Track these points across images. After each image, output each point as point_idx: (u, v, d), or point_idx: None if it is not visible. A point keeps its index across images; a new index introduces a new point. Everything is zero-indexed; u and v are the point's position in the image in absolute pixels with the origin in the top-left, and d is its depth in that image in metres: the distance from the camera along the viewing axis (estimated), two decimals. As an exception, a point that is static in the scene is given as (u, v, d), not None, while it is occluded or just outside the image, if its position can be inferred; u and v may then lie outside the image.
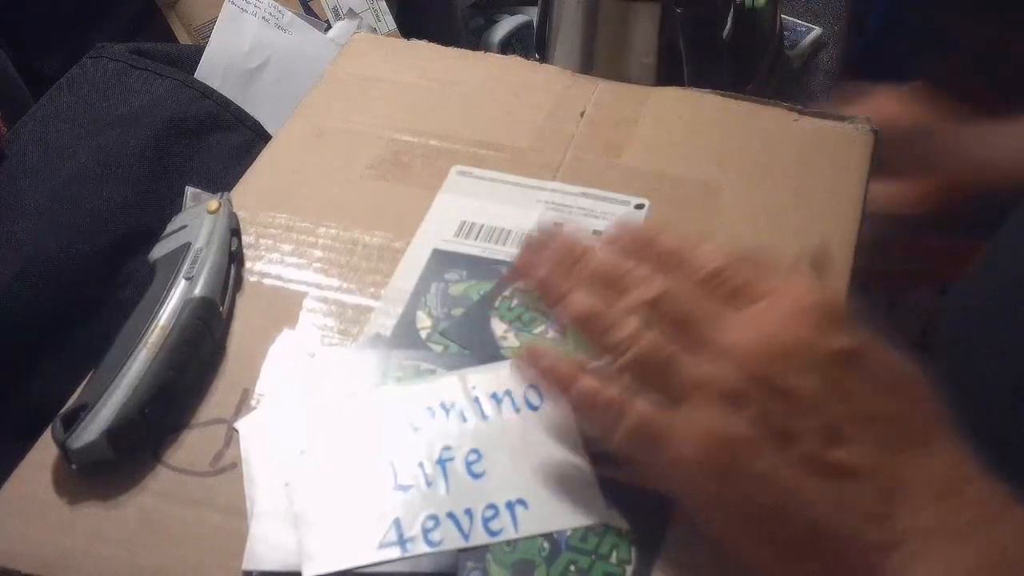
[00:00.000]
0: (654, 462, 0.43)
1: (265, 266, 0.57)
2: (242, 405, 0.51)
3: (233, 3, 0.81)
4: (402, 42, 0.74)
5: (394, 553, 0.44)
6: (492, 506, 0.46)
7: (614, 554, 0.45)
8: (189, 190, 0.60)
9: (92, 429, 0.47)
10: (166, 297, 0.52)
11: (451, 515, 0.46)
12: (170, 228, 0.57)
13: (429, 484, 0.47)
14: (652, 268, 0.45)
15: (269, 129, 0.76)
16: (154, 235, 0.57)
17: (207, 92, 0.75)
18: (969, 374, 0.56)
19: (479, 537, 0.45)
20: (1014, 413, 0.53)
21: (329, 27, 0.88)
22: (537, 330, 0.53)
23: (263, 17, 0.81)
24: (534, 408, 0.50)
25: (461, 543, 0.45)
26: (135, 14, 0.87)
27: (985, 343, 0.57)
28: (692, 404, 0.41)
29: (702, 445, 0.41)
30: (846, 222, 0.59)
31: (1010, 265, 0.57)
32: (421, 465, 0.47)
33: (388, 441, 0.49)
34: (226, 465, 0.48)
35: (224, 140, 0.74)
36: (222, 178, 0.68)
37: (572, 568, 0.44)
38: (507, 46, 0.98)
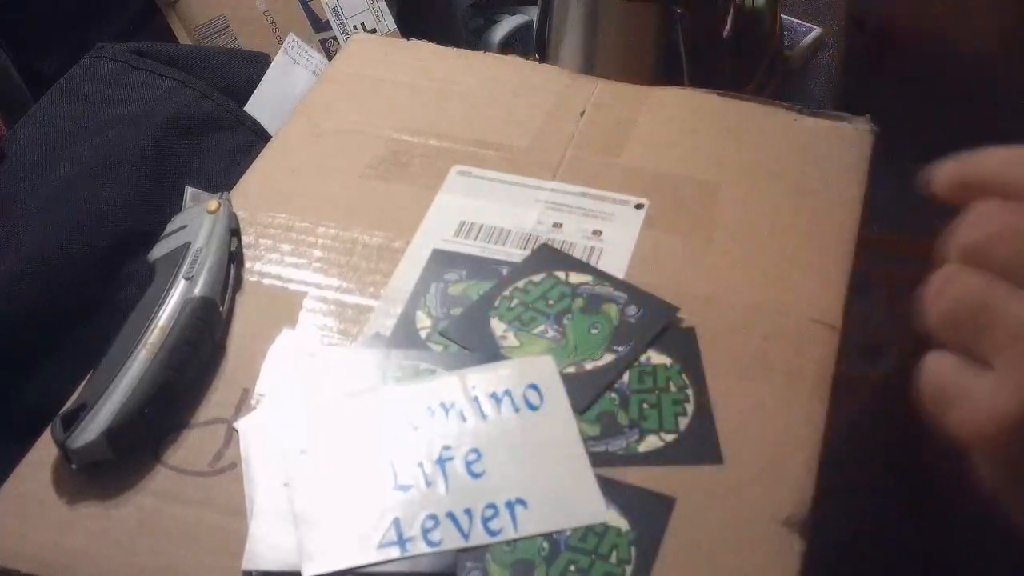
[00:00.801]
0: (948, 426, 0.35)
1: (265, 266, 0.57)
2: (242, 405, 0.51)
3: (287, 54, 0.82)
4: (402, 42, 0.74)
5: (394, 553, 0.44)
6: (492, 506, 0.46)
7: (614, 554, 0.45)
8: (189, 190, 0.60)
9: (92, 429, 0.47)
10: (166, 297, 0.52)
11: (451, 515, 0.46)
12: (170, 228, 0.57)
13: (429, 484, 0.47)
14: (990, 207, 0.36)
15: (269, 129, 0.76)
16: (154, 235, 0.57)
17: (207, 92, 0.75)
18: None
19: (479, 537, 0.45)
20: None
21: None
22: (537, 330, 0.53)
23: (313, 71, 0.82)
24: (534, 408, 0.50)
25: (461, 543, 0.45)
26: (135, 14, 0.87)
27: None
28: (1004, 360, 0.33)
29: (1005, 420, 0.33)
30: (846, 222, 0.59)
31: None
32: (421, 465, 0.47)
33: (388, 441, 0.49)
34: (226, 465, 0.48)
35: (224, 140, 0.74)
36: (222, 178, 0.68)
37: (572, 568, 0.44)
38: (507, 46, 0.98)
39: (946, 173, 0.37)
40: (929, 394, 0.36)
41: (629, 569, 0.44)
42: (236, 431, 0.49)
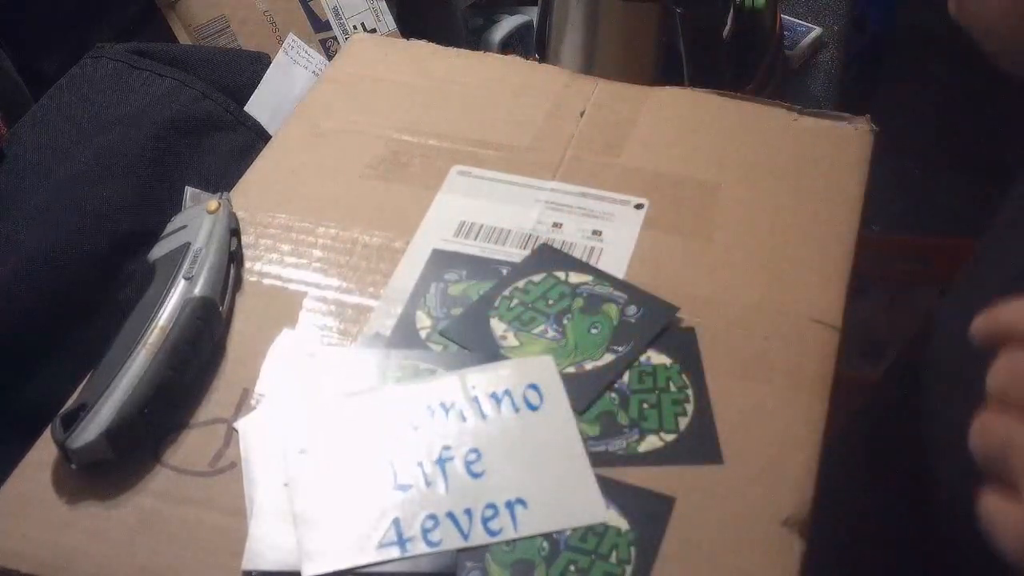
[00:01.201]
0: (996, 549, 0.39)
1: (265, 266, 0.57)
2: (242, 405, 0.51)
3: (287, 54, 0.82)
4: (402, 42, 0.74)
5: (393, 553, 0.44)
6: (491, 506, 0.46)
7: (614, 554, 0.45)
8: (189, 190, 0.60)
9: (92, 429, 0.47)
10: (166, 297, 0.52)
11: (450, 515, 0.46)
12: (170, 228, 0.57)
13: (428, 484, 0.47)
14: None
15: (269, 129, 0.76)
16: (154, 235, 0.57)
17: (207, 92, 0.75)
18: (968, 374, 0.56)
19: (478, 537, 0.45)
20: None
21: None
22: (536, 330, 0.53)
23: (313, 71, 0.82)
24: (534, 408, 0.50)
25: (460, 543, 0.45)
26: (135, 14, 0.87)
27: None
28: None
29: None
30: (846, 222, 0.59)
31: (1007, 263, 0.57)
32: (420, 465, 0.47)
33: (388, 441, 0.49)
34: (226, 465, 0.48)
35: (224, 140, 0.74)
36: (222, 178, 0.68)
37: (572, 568, 0.44)
38: (507, 46, 0.98)
39: (980, 327, 0.42)
40: (983, 521, 0.39)
41: (629, 569, 0.44)
42: (236, 431, 0.49)
